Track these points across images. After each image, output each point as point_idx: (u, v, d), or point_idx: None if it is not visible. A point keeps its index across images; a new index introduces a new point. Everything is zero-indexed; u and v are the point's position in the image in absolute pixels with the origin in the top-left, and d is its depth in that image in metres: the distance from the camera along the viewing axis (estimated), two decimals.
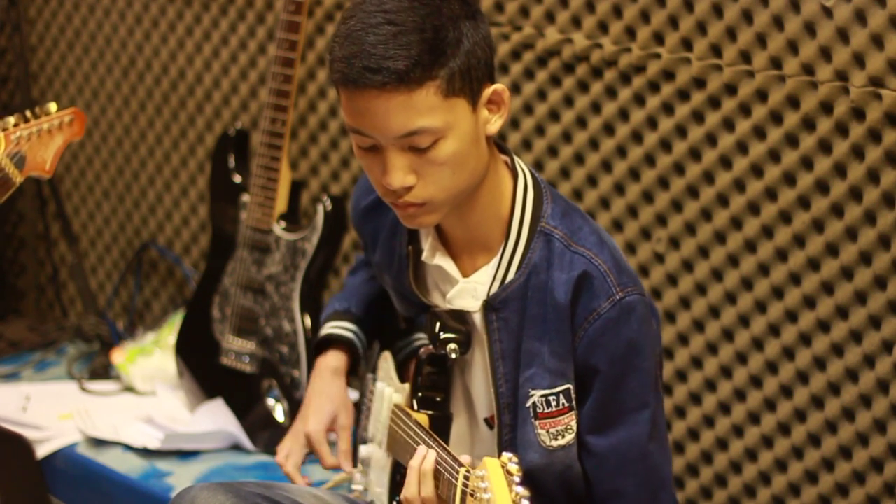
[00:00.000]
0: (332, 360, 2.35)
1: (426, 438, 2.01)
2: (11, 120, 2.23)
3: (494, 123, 2.01)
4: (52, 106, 2.29)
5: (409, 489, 1.92)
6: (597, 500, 2.09)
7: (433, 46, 1.91)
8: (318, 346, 2.37)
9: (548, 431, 2.06)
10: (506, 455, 1.76)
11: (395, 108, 1.91)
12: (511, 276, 2.06)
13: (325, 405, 2.31)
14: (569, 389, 2.05)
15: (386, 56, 1.89)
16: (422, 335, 2.21)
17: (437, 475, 1.91)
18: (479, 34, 1.96)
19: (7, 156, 2.20)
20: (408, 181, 1.96)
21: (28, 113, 2.25)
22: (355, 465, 2.31)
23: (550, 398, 2.05)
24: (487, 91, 1.99)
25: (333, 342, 2.35)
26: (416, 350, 2.20)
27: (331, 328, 2.36)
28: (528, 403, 2.06)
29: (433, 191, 1.98)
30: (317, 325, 2.87)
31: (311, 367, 2.39)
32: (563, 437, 2.06)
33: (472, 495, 1.78)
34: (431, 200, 1.98)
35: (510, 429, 2.09)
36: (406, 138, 1.93)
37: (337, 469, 2.32)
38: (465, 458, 1.89)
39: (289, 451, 2.31)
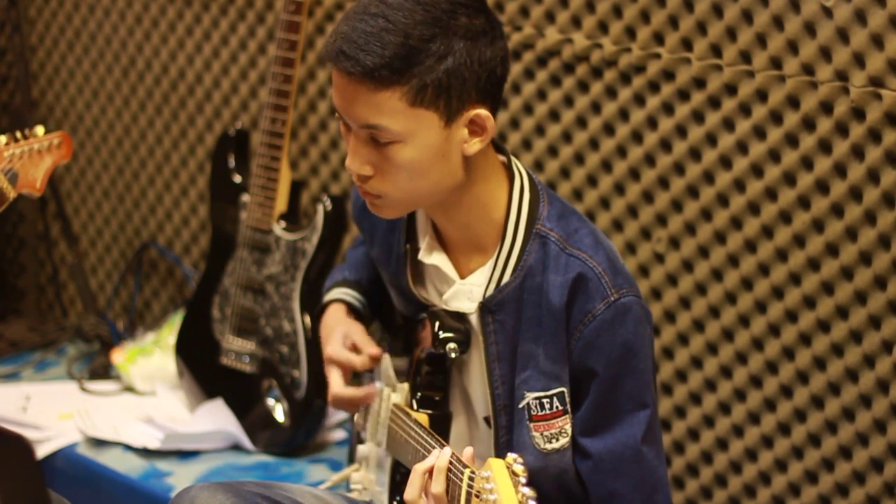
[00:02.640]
0: (335, 308, 2.35)
1: (428, 438, 2.00)
2: (3, 139, 2.30)
3: (473, 146, 1.99)
4: (40, 129, 2.38)
5: (410, 491, 1.91)
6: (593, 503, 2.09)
7: (410, 54, 1.91)
8: (326, 305, 2.37)
9: (542, 434, 2.06)
10: (511, 455, 1.75)
11: (359, 98, 1.93)
12: (507, 278, 2.06)
13: (332, 333, 2.30)
14: (562, 392, 2.05)
15: (362, 48, 1.90)
16: (424, 314, 2.19)
17: None
18: (474, 56, 1.94)
19: (1, 172, 2.26)
20: (364, 171, 1.98)
21: (18, 134, 2.32)
22: (374, 368, 2.29)
23: (544, 401, 2.05)
24: (469, 113, 1.97)
25: (340, 303, 2.35)
26: (420, 322, 2.19)
27: (338, 293, 2.35)
28: (522, 405, 2.06)
29: (388, 188, 1.99)
30: (317, 325, 2.88)
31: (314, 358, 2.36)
32: (558, 440, 2.06)
33: (477, 496, 1.77)
34: (386, 196, 2.00)
35: (506, 430, 2.08)
36: (366, 129, 1.95)
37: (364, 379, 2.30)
38: (467, 451, 1.88)
39: (330, 383, 2.27)
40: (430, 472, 1.89)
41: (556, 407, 2.05)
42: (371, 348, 2.25)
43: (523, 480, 1.72)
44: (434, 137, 1.95)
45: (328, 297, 2.37)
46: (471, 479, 1.81)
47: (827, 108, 2.45)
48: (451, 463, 1.87)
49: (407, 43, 1.90)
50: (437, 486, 1.87)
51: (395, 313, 2.32)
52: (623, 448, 2.05)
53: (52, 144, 2.37)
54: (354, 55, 1.90)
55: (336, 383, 2.26)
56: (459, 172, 2.01)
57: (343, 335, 2.28)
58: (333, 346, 2.28)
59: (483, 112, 1.97)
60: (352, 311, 2.34)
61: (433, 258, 2.12)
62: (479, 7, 1.98)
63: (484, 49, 1.95)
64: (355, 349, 2.27)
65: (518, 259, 2.06)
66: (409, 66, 1.91)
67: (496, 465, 1.75)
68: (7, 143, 2.30)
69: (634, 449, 2.05)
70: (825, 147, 2.46)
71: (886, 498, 2.47)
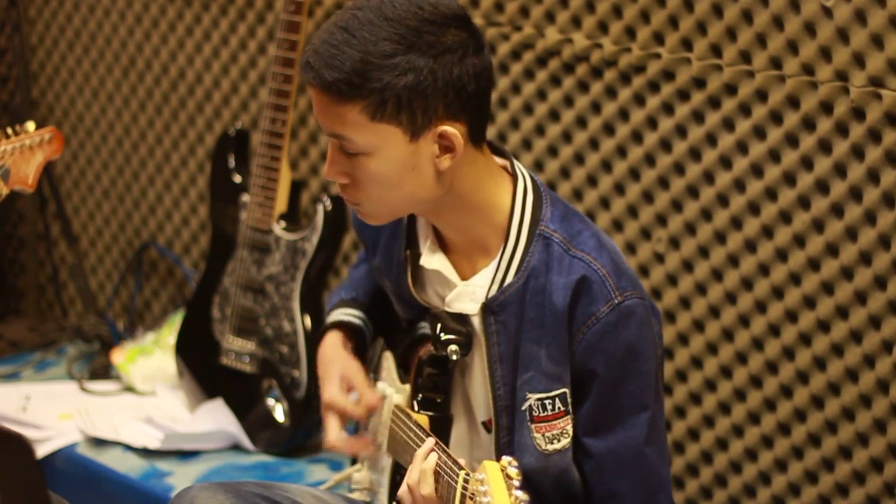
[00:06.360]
0: (332, 339, 2.34)
1: (427, 439, 2.00)
2: None
3: (444, 161, 1.98)
4: (31, 125, 2.38)
5: (411, 475, 1.92)
6: (594, 502, 2.09)
7: (369, 70, 1.91)
8: (325, 331, 2.36)
9: (543, 435, 2.06)
10: (505, 458, 1.75)
11: (325, 108, 1.96)
12: (510, 279, 2.06)
13: (330, 372, 2.29)
14: (564, 393, 2.05)
15: (325, 61, 1.93)
16: (425, 324, 2.19)
17: (436, 476, 1.90)
18: (438, 73, 1.93)
19: None
20: (339, 179, 2.01)
21: (9, 130, 2.32)
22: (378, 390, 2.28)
23: (546, 402, 2.05)
24: (437, 128, 1.96)
25: (338, 327, 2.35)
26: (420, 338, 2.19)
27: (338, 315, 2.35)
28: (524, 406, 2.06)
29: (362, 198, 2.01)
30: (317, 325, 2.88)
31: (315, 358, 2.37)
32: (559, 441, 2.06)
33: (471, 498, 1.78)
34: (362, 205, 2.02)
35: (507, 432, 2.08)
36: (336, 138, 1.98)
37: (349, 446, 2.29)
38: (461, 462, 1.89)
39: (326, 430, 2.27)
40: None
41: (558, 408, 2.05)
42: (370, 397, 2.24)
43: (517, 483, 1.72)
44: (399, 151, 1.96)
45: (332, 317, 2.36)
46: (466, 480, 1.81)
47: (827, 108, 2.45)
48: (445, 464, 1.88)
49: (367, 59, 1.91)
50: (426, 487, 1.90)
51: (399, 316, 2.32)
52: (625, 449, 2.05)
53: (42, 140, 2.37)
54: (317, 68, 1.93)
55: (333, 431, 2.25)
56: (434, 186, 2.00)
57: (340, 377, 2.27)
58: (331, 391, 2.26)
59: (450, 129, 1.96)
60: (351, 334, 2.33)
61: (434, 262, 2.11)
62: (454, 24, 1.96)
63: (450, 67, 1.94)
64: (353, 391, 2.27)
65: (521, 260, 2.05)
66: (366, 82, 1.92)
67: (491, 467, 1.75)
68: None
69: (637, 450, 2.05)
70: (825, 147, 2.47)
71: (886, 498, 2.47)
